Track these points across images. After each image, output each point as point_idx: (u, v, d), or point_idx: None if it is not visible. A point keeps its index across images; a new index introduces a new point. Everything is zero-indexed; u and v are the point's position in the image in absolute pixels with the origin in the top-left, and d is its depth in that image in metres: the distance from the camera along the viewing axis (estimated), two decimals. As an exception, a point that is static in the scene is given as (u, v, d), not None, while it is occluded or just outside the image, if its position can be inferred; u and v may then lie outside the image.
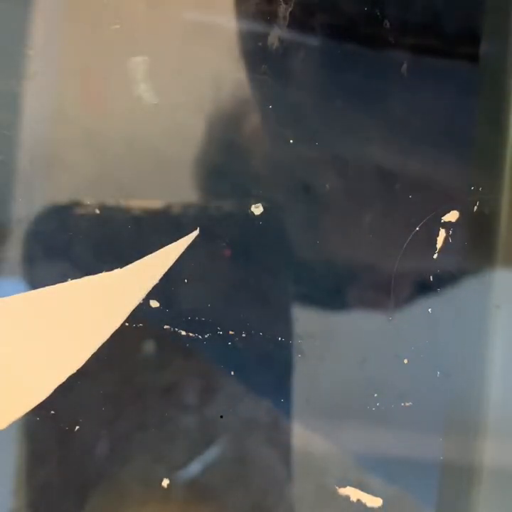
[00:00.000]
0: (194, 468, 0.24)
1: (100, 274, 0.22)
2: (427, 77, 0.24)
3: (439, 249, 0.24)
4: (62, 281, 0.22)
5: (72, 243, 0.23)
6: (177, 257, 0.22)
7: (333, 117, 0.24)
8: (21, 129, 0.23)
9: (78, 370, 0.22)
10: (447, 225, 0.24)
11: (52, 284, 0.22)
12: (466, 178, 0.24)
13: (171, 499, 0.24)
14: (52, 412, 0.23)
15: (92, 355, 0.22)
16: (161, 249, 0.22)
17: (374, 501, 0.24)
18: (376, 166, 0.24)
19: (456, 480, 0.25)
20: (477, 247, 0.24)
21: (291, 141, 0.23)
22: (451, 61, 0.24)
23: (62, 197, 0.23)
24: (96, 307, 0.22)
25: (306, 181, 0.24)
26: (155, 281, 0.22)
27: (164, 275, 0.22)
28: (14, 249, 0.23)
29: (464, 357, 0.24)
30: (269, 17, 0.23)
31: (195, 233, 0.23)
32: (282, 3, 0.23)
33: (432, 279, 0.24)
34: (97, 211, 0.23)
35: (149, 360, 0.23)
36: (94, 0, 0.23)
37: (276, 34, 0.23)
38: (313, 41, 0.24)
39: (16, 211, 0.23)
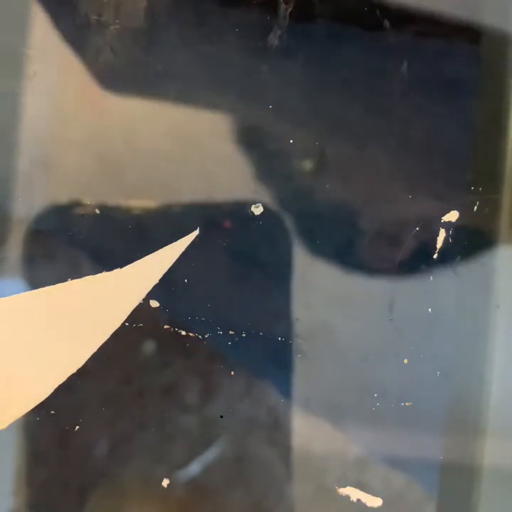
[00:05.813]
0: (194, 468, 0.24)
1: (100, 274, 0.22)
2: (427, 77, 0.24)
3: (439, 249, 0.24)
4: (62, 281, 0.22)
5: (72, 243, 0.23)
6: (177, 257, 0.22)
7: (333, 117, 0.24)
8: (21, 129, 0.23)
9: (78, 370, 0.22)
10: (447, 225, 0.24)
11: (52, 284, 0.22)
12: (466, 178, 0.24)
13: (171, 499, 0.24)
14: (52, 412, 0.23)
15: (92, 355, 0.22)
16: (161, 249, 0.22)
17: (374, 501, 0.24)
18: (376, 166, 0.24)
19: (456, 480, 0.25)
20: (477, 247, 0.24)
21: (291, 141, 0.23)
22: (451, 60, 0.24)
23: (62, 197, 0.23)
24: (96, 307, 0.22)
25: (306, 181, 0.24)
26: (155, 281, 0.22)
27: (164, 275, 0.22)
28: (14, 249, 0.23)
29: (464, 357, 0.24)
30: (269, 17, 0.23)
31: (195, 233, 0.23)
32: (282, 3, 0.23)
33: (432, 279, 0.24)
34: (97, 211, 0.23)
35: (149, 360, 0.23)
36: (94, 0, 0.23)
37: (277, 34, 0.23)
38: (313, 40, 0.24)
39: (16, 211, 0.23)
